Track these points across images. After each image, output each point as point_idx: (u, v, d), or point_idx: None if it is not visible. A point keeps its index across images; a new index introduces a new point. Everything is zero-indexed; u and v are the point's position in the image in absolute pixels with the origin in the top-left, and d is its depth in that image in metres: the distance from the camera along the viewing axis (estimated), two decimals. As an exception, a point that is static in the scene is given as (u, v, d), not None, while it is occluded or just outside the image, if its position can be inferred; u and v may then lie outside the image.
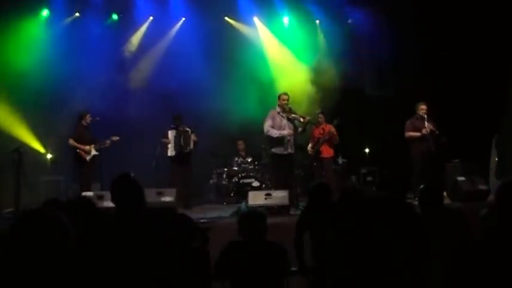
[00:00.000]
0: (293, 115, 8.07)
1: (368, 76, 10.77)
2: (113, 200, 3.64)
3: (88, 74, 9.79)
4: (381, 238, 2.88)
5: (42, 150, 9.99)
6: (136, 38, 10.99)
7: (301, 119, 8.07)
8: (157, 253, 3.35)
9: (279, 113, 8.10)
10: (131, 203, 3.59)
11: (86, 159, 8.81)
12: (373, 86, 10.56)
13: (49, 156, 9.95)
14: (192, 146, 9.20)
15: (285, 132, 7.99)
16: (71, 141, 8.80)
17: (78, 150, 8.76)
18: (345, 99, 10.44)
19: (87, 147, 8.82)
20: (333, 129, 8.81)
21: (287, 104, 8.07)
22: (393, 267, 2.84)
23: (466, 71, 9.75)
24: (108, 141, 8.95)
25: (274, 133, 8.01)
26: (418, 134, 8.45)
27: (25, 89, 9.61)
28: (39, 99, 9.67)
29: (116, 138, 9.02)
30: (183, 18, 11.14)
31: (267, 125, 8.07)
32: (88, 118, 8.92)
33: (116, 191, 3.64)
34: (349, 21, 11.31)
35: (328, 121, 9.01)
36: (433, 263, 3.31)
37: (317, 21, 11.36)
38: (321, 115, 8.93)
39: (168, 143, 9.18)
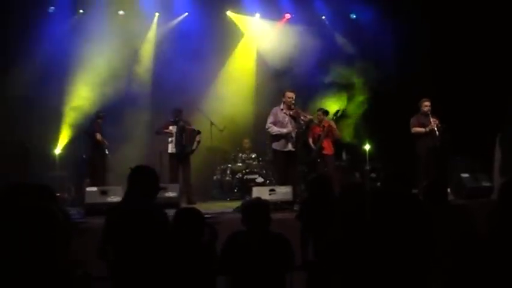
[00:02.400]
0: (296, 113, 8.05)
1: (372, 72, 10.74)
2: (129, 186, 3.66)
3: (92, 70, 9.81)
4: (387, 232, 2.89)
5: (53, 145, 9.91)
6: (149, 39, 11.01)
7: (304, 117, 8.06)
8: (164, 247, 3.37)
9: (282, 110, 8.10)
10: (147, 192, 3.63)
11: (107, 154, 9.08)
12: (376, 82, 10.53)
13: (57, 151, 9.90)
14: (195, 146, 9.14)
15: (285, 130, 8.00)
16: (99, 136, 8.96)
17: (106, 144, 9.01)
18: (349, 95, 10.43)
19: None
20: (331, 123, 8.78)
21: (292, 102, 8.05)
22: (398, 261, 2.86)
23: (470, 67, 9.73)
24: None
25: (274, 131, 8.03)
26: (424, 129, 8.46)
27: (33, 87, 9.66)
28: (45, 96, 9.71)
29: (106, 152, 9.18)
30: (186, 13, 11.13)
31: (269, 121, 8.10)
32: (103, 119, 9.13)
33: (136, 177, 3.66)
34: (352, 16, 11.30)
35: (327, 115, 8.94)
36: (438, 258, 3.33)
37: (323, 17, 11.34)
38: (320, 113, 8.90)
39: (170, 136, 9.07)
